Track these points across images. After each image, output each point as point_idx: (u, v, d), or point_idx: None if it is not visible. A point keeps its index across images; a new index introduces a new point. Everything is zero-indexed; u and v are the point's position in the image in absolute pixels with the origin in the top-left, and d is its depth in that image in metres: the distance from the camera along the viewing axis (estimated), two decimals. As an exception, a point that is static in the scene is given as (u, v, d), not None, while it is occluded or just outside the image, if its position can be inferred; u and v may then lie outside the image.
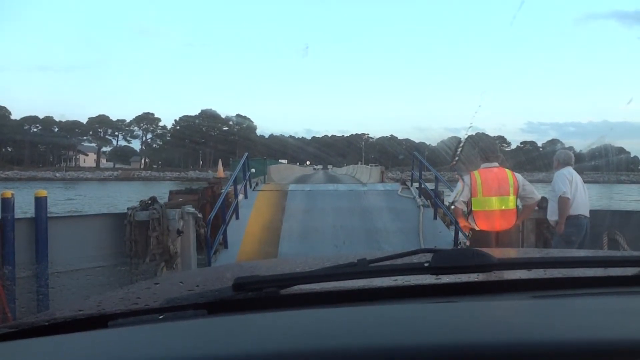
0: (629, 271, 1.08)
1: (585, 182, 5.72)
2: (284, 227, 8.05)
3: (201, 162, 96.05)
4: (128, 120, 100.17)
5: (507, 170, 5.29)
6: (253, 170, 11.63)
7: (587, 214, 5.55)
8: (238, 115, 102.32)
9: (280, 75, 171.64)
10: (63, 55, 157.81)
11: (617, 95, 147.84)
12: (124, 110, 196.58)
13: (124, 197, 32.70)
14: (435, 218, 8.43)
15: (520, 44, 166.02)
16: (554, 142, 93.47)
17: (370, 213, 8.91)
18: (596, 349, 0.65)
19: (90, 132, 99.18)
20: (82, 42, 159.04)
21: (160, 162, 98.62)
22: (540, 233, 6.85)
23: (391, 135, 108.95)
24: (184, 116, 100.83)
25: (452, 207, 5.82)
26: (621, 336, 0.70)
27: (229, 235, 7.22)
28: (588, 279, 1.07)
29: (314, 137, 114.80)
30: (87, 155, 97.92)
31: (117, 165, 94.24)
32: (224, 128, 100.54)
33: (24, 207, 8.81)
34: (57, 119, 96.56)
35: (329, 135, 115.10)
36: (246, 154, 10.22)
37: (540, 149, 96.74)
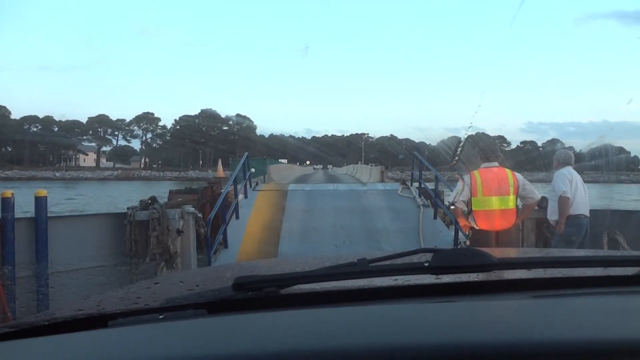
0: (629, 271, 1.08)
1: (585, 181, 5.72)
2: (284, 226, 8.05)
3: (201, 162, 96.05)
4: (128, 120, 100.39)
5: (507, 170, 5.29)
6: (253, 170, 11.63)
7: (587, 214, 5.55)
8: (238, 115, 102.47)
9: (280, 75, 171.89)
10: (63, 55, 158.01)
11: (617, 95, 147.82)
12: (123, 109, 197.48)
13: (124, 196, 32.67)
14: (435, 218, 8.43)
15: (520, 44, 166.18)
16: (554, 141, 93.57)
17: (370, 213, 8.91)
18: (596, 349, 0.65)
19: (90, 132, 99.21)
20: (82, 42, 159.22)
21: (160, 162, 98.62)
22: (540, 233, 6.85)
23: (391, 135, 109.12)
24: (184, 116, 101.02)
25: (452, 207, 5.82)
26: (621, 336, 0.70)
27: (229, 235, 7.22)
28: (588, 279, 1.06)
29: (313, 137, 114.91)
30: (87, 154, 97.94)
31: (117, 165, 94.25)
32: (224, 128, 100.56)
33: (24, 207, 8.80)
34: (57, 118, 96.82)
35: (329, 135, 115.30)
36: (246, 153, 10.21)
37: (540, 149, 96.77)
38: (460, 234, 6.81)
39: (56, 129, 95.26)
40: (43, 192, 5.91)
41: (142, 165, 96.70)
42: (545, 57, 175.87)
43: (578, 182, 5.53)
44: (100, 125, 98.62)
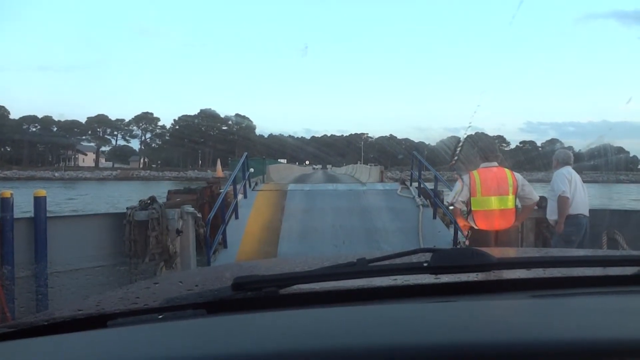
0: (628, 270, 1.08)
1: (584, 181, 5.72)
2: (284, 226, 8.04)
3: (200, 162, 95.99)
4: (127, 120, 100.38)
5: (506, 169, 5.29)
6: (252, 170, 11.62)
7: (587, 214, 5.55)
8: (237, 115, 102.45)
9: (279, 75, 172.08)
10: (63, 55, 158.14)
11: (617, 95, 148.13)
12: (123, 109, 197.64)
13: (123, 196, 32.64)
14: (434, 218, 8.42)
15: (520, 44, 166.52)
16: (553, 141, 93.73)
17: (370, 213, 8.90)
18: (595, 349, 0.65)
19: (89, 132, 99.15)
20: (82, 42, 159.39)
21: (159, 162, 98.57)
22: (540, 232, 6.86)
23: (390, 135, 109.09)
24: (183, 116, 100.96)
25: (451, 207, 5.82)
26: (620, 336, 0.69)
27: (228, 235, 7.21)
28: (587, 279, 1.06)
29: (313, 137, 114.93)
30: (86, 154, 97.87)
31: (116, 165, 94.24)
32: (223, 128, 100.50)
33: (23, 207, 8.79)
34: (56, 118, 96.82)
35: (328, 134, 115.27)
36: (245, 153, 10.19)
37: (540, 149, 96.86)
38: (459, 233, 6.81)
39: (55, 129, 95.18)
40: (42, 192, 5.91)
41: (141, 165, 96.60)
42: (545, 57, 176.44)
43: (577, 181, 5.54)
44: (100, 125, 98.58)
